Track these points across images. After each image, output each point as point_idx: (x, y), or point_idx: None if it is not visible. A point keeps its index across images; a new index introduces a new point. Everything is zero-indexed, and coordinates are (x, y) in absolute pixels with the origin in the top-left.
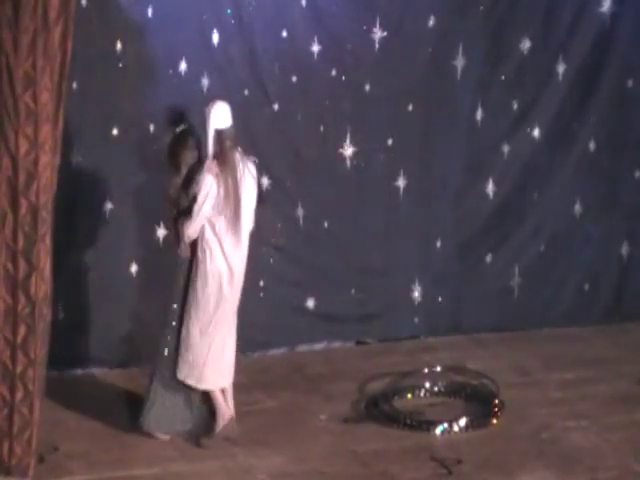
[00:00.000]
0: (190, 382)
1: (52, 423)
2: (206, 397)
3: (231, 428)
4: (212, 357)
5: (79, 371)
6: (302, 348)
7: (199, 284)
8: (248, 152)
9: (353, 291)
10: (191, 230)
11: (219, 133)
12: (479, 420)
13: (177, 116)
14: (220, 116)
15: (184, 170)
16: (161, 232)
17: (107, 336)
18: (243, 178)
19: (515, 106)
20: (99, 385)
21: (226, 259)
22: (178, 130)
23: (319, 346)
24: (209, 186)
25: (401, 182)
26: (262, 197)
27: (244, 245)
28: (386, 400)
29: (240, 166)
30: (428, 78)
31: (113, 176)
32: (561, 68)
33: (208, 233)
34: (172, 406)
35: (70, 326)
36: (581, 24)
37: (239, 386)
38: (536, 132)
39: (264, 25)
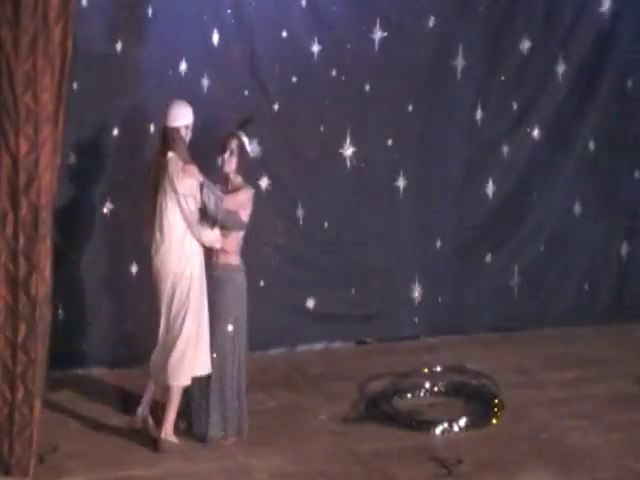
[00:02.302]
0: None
1: (52, 423)
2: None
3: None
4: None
5: (79, 371)
6: (302, 348)
7: None
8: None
9: (353, 291)
10: None
11: (164, 130)
12: (479, 420)
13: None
14: (167, 114)
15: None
16: None
17: (107, 336)
18: (164, 181)
19: (515, 106)
20: (99, 385)
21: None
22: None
23: (319, 346)
24: None
25: (401, 182)
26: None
27: (165, 250)
28: (386, 400)
29: (167, 168)
30: (428, 78)
31: (113, 176)
32: (561, 68)
33: None
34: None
35: (70, 326)
36: (581, 24)
37: None
38: (536, 132)
39: (264, 25)
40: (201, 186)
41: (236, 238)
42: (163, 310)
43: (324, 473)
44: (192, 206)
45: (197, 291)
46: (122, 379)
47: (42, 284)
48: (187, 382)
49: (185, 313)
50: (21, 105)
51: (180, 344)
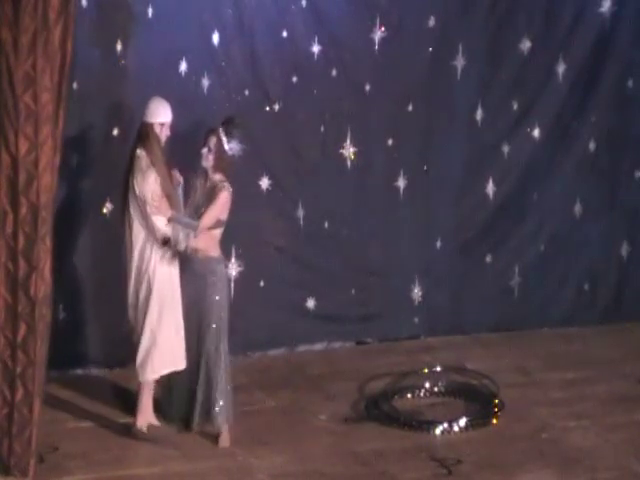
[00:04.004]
0: None
1: (52, 423)
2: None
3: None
4: None
5: (79, 371)
6: (302, 348)
7: None
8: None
9: (353, 291)
10: None
11: (140, 125)
12: (479, 420)
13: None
14: (145, 109)
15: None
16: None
17: (107, 336)
18: (130, 176)
19: (515, 106)
20: (99, 385)
21: None
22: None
23: (319, 346)
24: None
25: (401, 182)
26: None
27: (129, 245)
28: (386, 400)
29: (134, 164)
30: (428, 78)
31: (113, 176)
32: (561, 68)
33: None
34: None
35: (70, 326)
36: (581, 24)
37: (239, 386)
38: (536, 132)
39: (264, 25)
40: (169, 219)
41: (208, 235)
42: (130, 305)
43: (324, 473)
44: (148, 210)
45: (161, 287)
46: (122, 379)
47: (42, 284)
48: (154, 376)
49: (147, 309)
50: (21, 105)
51: (144, 340)
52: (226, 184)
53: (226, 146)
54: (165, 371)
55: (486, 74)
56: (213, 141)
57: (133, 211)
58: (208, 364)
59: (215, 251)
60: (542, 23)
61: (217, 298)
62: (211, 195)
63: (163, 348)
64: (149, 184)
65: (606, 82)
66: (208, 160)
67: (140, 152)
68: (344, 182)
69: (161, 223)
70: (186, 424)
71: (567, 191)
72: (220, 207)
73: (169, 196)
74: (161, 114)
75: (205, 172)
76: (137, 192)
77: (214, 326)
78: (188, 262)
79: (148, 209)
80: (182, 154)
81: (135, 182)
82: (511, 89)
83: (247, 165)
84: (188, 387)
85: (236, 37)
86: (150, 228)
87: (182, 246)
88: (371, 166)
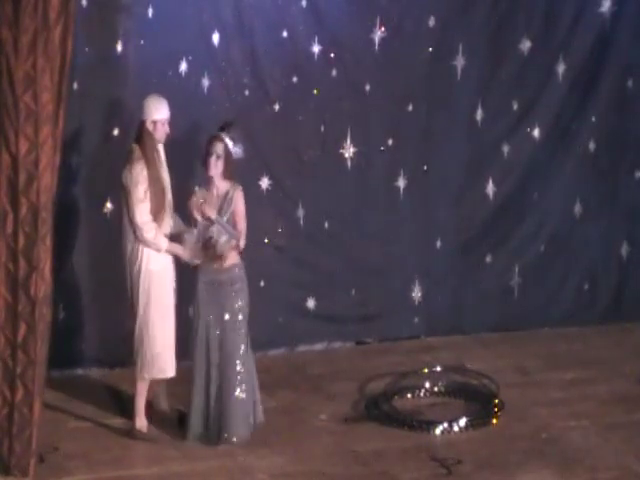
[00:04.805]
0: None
1: (52, 423)
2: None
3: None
4: None
5: (79, 371)
6: (302, 348)
7: None
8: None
9: (353, 291)
10: None
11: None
12: (479, 420)
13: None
14: (141, 107)
15: None
16: None
17: (107, 336)
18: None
19: (515, 106)
20: (99, 385)
21: None
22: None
23: (319, 346)
24: None
25: (401, 182)
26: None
27: (123, 242)
28: (386, 400)
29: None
30: (428, 78)
31: (113, 176)
32: (561, 68)
33: None
34: None
35: (70, 326)
36: (581, 24)
37: None
38: (536, 132)
39: (264, 25)
40: (214, 221)
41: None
42: (128, 306)
43: (324, 473)
44: (129, 200)
45: (147, 288)
46: (122, 379)
47: (42, 284)
48: (146, 378)
49: (136, 309)
50: (21, 105)
51: (136, 341)
52: (237, 184)
53: (232, 150)
54: (158, 374)
55: (486, 74)
56: (220, 147)
57: (124, 207)
58: (235, 372)
59: (237, 257)
60: (542, 23)
61: (241, 304)
62: (225, 201)
63: (153, 350)
64: (135, 174)
65: (606, 82)
66: (217, 167)
67: (133, 146)
68: (344, 182)
69: (144, 213)
70: (207, 437)
71: (567, 191)
72: (244, 209)
73: (156, 191)
74: (153, 112)
75: (210, 182)
76: (122, 181)
77: (243, 332)
78: (208, 272)
79: (130, 200)
80: (182, 154)
81: (123, 174)
82: (511, 89)
83: (247, 165)
84: (206, 401)
85: (236, 37)
86: (131, 219)
87: (219, 250)
88: (371, 166)
